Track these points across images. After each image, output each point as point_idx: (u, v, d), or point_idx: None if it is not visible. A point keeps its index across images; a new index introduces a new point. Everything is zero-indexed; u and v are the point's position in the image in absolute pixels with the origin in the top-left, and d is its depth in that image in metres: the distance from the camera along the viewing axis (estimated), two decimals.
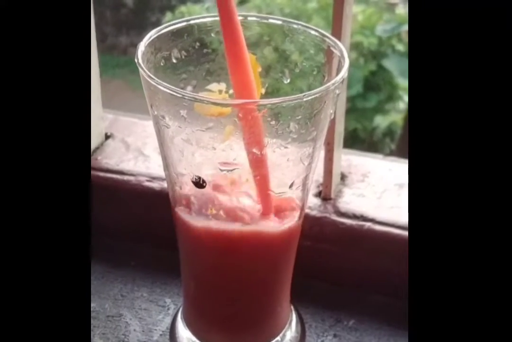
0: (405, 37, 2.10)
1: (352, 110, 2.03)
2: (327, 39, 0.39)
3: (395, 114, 2.15)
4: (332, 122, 0.47)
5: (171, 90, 0.35)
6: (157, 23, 2.67)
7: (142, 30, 2.82)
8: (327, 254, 0.51)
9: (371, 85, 2.10)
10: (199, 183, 0.37)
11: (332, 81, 0.35)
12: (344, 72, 0.36)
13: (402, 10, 2.27)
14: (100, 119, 0.56)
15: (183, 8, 2.40)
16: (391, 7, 2.33)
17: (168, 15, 2.42)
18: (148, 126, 0.58)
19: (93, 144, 0.56)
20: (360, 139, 2.13)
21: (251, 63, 0.40)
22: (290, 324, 0.46)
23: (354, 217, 0.50)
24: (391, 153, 2.11)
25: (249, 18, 0.40)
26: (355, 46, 2.05)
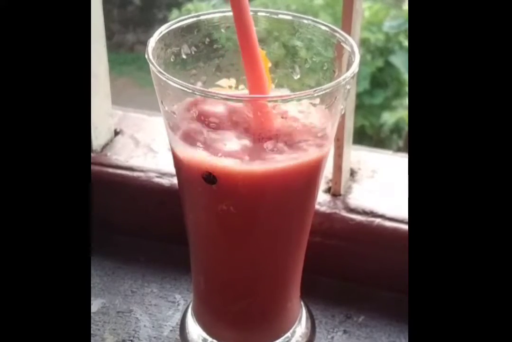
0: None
1: (359, 107, 2.02)
2: (337, 34, 0.39)
3: (402, 110, 2.14)
4: (342, 118, 0.47)
5: (181, 85, 0.35)
6: (163, 21, 2.67)
7: (148, 28, 2.82)
8: (337, 250, 0.51)
9: (378, 82, 2.10)
10: (209, 179, 0.37)
11: (343, 76, 0.35)
12: (355, 67, 0.36)
13: None
14: (109, 115, 0.57)
15: (189, 6, 2.40)
16: (398, 3, 2.33)
17: (175, 12, 2.42)
18: (157, 122, 0.58)
19: (103, 141, 0.56)
20: (367, 136, 2.13)
21: (261, 58, 0.40)
22: (300, 320, 0.46)
23: (364, 213, 0.50)
24: (399, 150, 2.10)
25: (259, 14, 0.40)
26: (362, 43, 2.04)
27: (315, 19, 0.39)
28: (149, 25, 2.82)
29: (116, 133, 0.57)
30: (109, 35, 2.71)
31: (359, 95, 2.01)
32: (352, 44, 0.38)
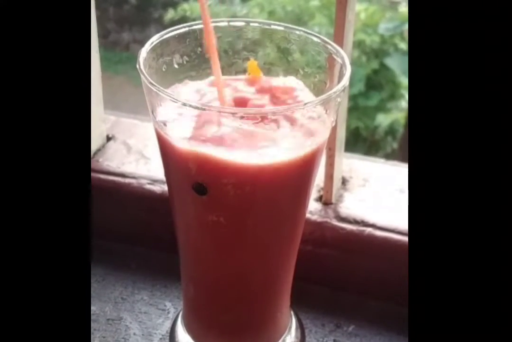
0: (407, 35, 2.09)
1: (354, 109, 2.02)
2: (329, 46, 0.39)
3: (397, 112, 2.14)
4: (333, 128, 0.47)
5: (172, 97, 0.35)
6: (159, 20, 2.67)
7: (144, 27, 2.81)
8: (328, 259, 0.51)
9: (373, 84, 2.09)
10: (200, 190, 0.37)
11: (334, 90, 0.35)
12: (345, 81, 0.36)
13: (405, 8, 2.26)
14: (102, 121, 0.56)
15: (185, 5, 2.40)
16: (394, 5, 2.32)
17: (171, 12, 2.41)
18: (149, 128, 0.58)
19: (95, 146, 0.56)
20: (362, 138, 2.13)
21: (253, 68, 0.40)
22: (290, 329, 0.46)
23: (355, 222, 0.50)
24: (393, 152, 2.10)
25: (251, 24, 0.40)
26: (358, 45, 2.04)
27: (307, 31, 0.39)
28: (145, 24, 2.81)
29: (108, 139, 0.57)
30: (105, 33, 2.72)
31: (354, 97, 2.02)
32: (343, 56, 0.38)
